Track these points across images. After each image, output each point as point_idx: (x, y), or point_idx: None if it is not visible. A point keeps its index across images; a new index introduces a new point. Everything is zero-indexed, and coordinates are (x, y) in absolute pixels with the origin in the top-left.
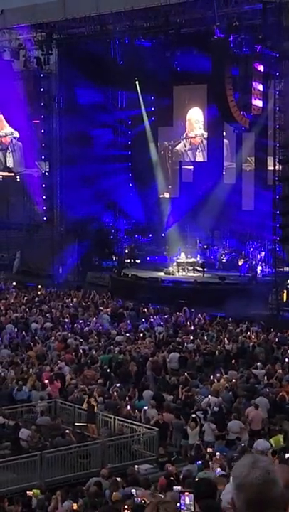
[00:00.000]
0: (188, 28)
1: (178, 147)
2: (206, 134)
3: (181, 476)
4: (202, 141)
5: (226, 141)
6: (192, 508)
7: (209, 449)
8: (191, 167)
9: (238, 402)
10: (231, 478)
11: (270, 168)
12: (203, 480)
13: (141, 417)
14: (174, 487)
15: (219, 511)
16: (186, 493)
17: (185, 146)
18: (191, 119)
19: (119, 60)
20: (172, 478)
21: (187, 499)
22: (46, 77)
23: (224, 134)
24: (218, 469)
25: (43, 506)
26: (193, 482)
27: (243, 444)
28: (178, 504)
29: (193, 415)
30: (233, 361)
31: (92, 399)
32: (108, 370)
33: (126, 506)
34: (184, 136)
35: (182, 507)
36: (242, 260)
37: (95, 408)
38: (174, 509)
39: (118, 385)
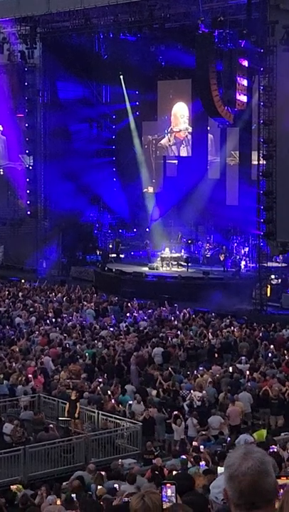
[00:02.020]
0: (172, 22)
1: (162, 142)
2: (190, 129)
3: (165, 471)
4: (186, 136)
5: (210, 135)
6: (174, 500)
7: (194, 443)
8: (176, 161)
9: (221, 396)
10: (224, 468)
11: (254, 162)
12: (180, 474)
13: (125, 412)
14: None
15: (205, 505)
16: (168, 485)
17: (169, 141)
18: (176, 114)
19: (104, 54)
20: (157, 472)
21: (169, 491)
22: (30, 71)
23: (208, 128)
24: (203, 463)
25: (26, 501)
26: (172, 477)
27: (228, 439)
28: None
29: (176, 412)
30: (216, 356)
31: (74, 393)
32: (92, 365)
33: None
34: (169, 130)
35: (164, 498)
36: (223, 256)
37: (78, 404)
38: (159, 499)
39: (100, 379)
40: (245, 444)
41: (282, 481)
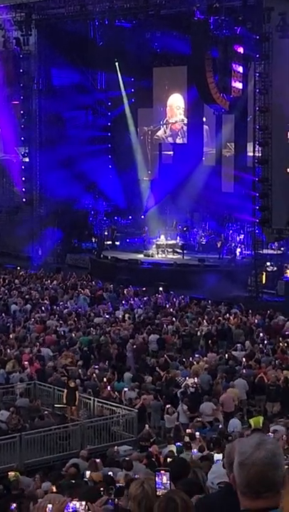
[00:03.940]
0: (168, 9)
1: (158, 133)
2: (186, 120)
3: (161, 457)
4: (182, 127)
5: (205, 126)
6: (168, 487)
7: (188, 430)
8: (171, 152)
9: (215, 383)
10: (236, 454)
11: (250, 154)
12: (177, 460)
13: (121, 399)
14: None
15: (202, 490)
16: (162, 472)
17: (165, 132)
18: (172, 105)
19: (99, 41)
20: (153, 458)
21: (164, 478)
22: (26, 58)
23: (204, 119)
24: (195, 450)
25: (17, 486)
26: (167, 463)
27: (220, 426)
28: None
29: (168, 406)
30: (210, 342)
31: (72, 380)
32: (88, 352)
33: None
34: (164, 121)
35: (159, 485)
36: (220, 243)
37: (76, 391)
38: None
39: (96, 366)
40: (260, 434)
41: None
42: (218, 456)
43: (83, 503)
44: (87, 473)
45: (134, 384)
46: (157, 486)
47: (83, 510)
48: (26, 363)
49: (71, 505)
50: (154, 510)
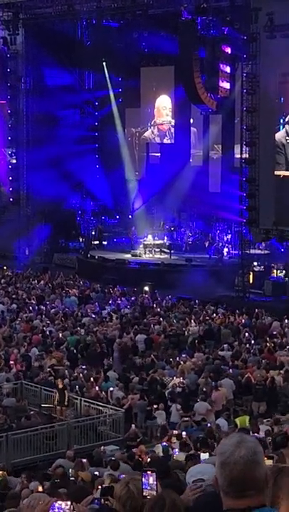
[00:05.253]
0: (155, 9)
1: (146, 134)
2: (173, 122)
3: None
4: (170, 128)
5: (193, 129)
6: (155, 487)
7: (175, 432)
8: (158, 154)
9: (202, 383)
10: (217, 455)
11: (237, 156)
12: (156, 459)
13: (108, 399)
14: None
15: (182, 489)
16: (149, 472)
17: (152, 133)
18: (159, 107)
19: (87, 40)
20: (140, 458)
21: (150, 478)
22: (13, 58)
23: (191, 121)
24: (176, 450)
25: (4, 487)
26: (148, 462)
27: (209, 425)
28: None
29: (155, 406)
30: (197, 342)
31: (60, 381)
32: (75, 352)
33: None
34: (152, 123)
35: (145, 486)
36: (208, 243)
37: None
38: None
39: (84, 366)
40: (239, 433)
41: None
42: (204, 456)
43: (68, 502)
44: (73, 472)
45: (121, 384)
46: (144, 486)
47: (68, 510)
48: (12, 362)
49: (56, 505)
50: (145, 507)
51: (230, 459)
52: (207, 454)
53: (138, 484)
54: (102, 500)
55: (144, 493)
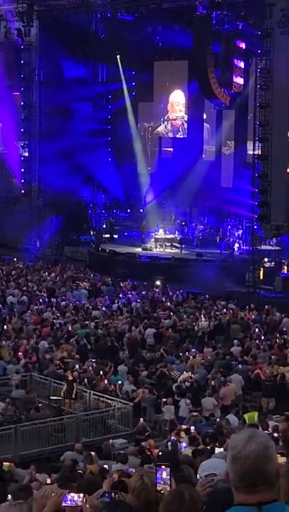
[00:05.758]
0: (170, 2)
1: (158, 129)
2: (186, 117)
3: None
4: (183, 124)
5: (206, 124)
6: (168, 482)
7: (184, 426)
8: (171, 149)
9: (211, 378)
10: (228, 449)
11: (250, 151)
12: (165, 454)
13: (116, 392)
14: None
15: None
16: (163, 467)
17: (166, 128)
18: (173, 102)
19: (101, 33)
20: (149, 452)
21: (164, 473)
22: (27, 49)
23: (204, 116)
24: (183, 444)
25: (11, 478)
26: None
27: (218, 420)
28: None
29: (164, 399)
30: (206, 338)
31: (70, 373)
32: (85, 345)
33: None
34: (165, 118)
35: (159, 481)
36: (218, 238)
37: (74, 384)
38: None
39: (94, 359)
40: (251, 428)
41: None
42: (219, 451)
43: (81, 495)
44: (83, 465)
45: (131, 378)
46: (157, 480)
47: (81, 503)
48: (21, 354)
49: (69, 497)
50: (162, 501)
51: (241, 454)
52: (222, 448)
53: (152, 477)
54: (113, 494)
55: (158, 488)
